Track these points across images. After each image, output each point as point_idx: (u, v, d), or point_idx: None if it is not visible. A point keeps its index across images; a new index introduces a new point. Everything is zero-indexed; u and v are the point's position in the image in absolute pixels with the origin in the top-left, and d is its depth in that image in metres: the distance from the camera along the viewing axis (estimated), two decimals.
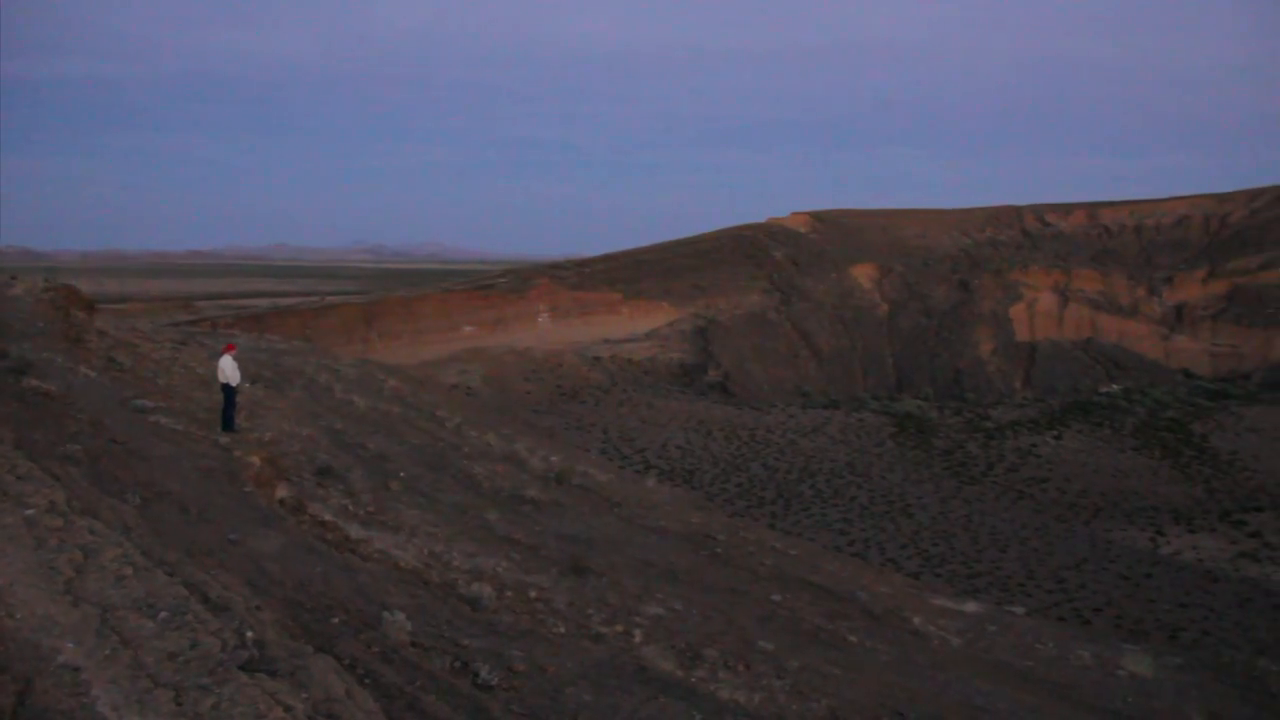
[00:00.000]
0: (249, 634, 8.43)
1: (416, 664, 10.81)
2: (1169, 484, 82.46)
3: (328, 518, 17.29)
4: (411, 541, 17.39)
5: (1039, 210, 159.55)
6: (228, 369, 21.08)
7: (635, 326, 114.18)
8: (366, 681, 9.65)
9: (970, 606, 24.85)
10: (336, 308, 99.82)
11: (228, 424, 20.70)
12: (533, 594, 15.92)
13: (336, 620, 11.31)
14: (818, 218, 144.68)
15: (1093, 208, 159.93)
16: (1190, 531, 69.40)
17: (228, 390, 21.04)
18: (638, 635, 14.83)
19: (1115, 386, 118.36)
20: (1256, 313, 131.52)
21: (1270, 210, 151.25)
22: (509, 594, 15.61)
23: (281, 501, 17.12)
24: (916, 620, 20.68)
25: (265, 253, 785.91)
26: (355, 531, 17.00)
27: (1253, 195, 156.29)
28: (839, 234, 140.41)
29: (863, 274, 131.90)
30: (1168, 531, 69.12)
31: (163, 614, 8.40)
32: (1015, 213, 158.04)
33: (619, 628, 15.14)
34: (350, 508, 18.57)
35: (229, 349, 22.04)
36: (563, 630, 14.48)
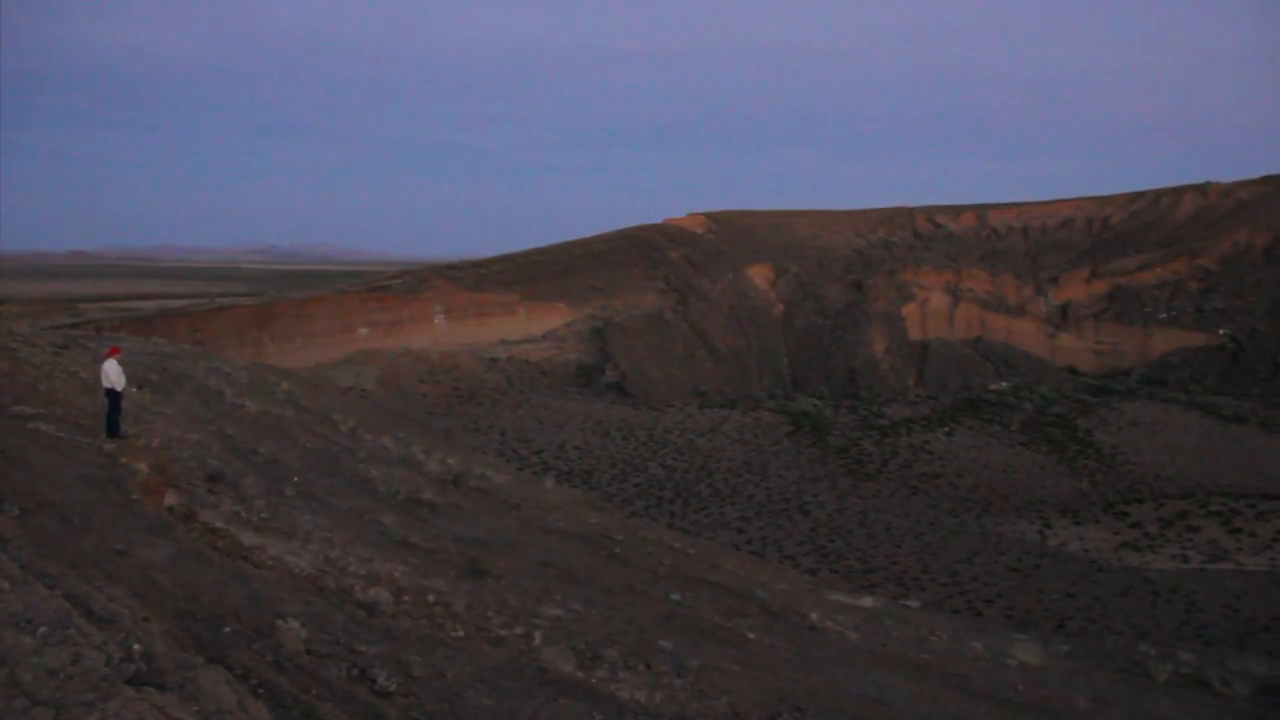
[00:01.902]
0: (136, 647, 8.17)
1: (312, 672, 10.60)
2: (1056, 478, 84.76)
3: (219, 525, 16.89)
4: (306, 547, 17.07)
5: (930, 212, 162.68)
6: (112, 373, 20.47)
7: (532, 328, 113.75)
8: (260, 691, 9.43)
9: (866, 601, 25.22)
10: (227, 310, 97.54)
11: (113, 430, 20.09)
12: (431, 598, 15.73)
13: (228, 630, 11.03)
14: (713, 218, 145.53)
15: (981, 209, 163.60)
16: (1076, 523, 71.45)
17: (112, 395, 20.42)
18: (537, 637, 14.73)
19: (1004, 384, 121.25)
20: (1136, 311, 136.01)
21: (1149, 213, 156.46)
22: (407, 598, 15.40)
23: (170, 509, 16.67)
24: (814, 616, 20.90)
25: (152, 253, 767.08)
26: (248, 538, 16.63)
27: (1131, 198, 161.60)
28: (734, 234, 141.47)
29: (758, 274, 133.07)
30: (1055, 524, 71.06)
31: (42, 629, 8.09)
32: (907, 214, 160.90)
33: (518, 630, 15.03)
34: (243, 514, 18.17)
35: (113, 352, 21.41)
36: (462, 634, 14.33)
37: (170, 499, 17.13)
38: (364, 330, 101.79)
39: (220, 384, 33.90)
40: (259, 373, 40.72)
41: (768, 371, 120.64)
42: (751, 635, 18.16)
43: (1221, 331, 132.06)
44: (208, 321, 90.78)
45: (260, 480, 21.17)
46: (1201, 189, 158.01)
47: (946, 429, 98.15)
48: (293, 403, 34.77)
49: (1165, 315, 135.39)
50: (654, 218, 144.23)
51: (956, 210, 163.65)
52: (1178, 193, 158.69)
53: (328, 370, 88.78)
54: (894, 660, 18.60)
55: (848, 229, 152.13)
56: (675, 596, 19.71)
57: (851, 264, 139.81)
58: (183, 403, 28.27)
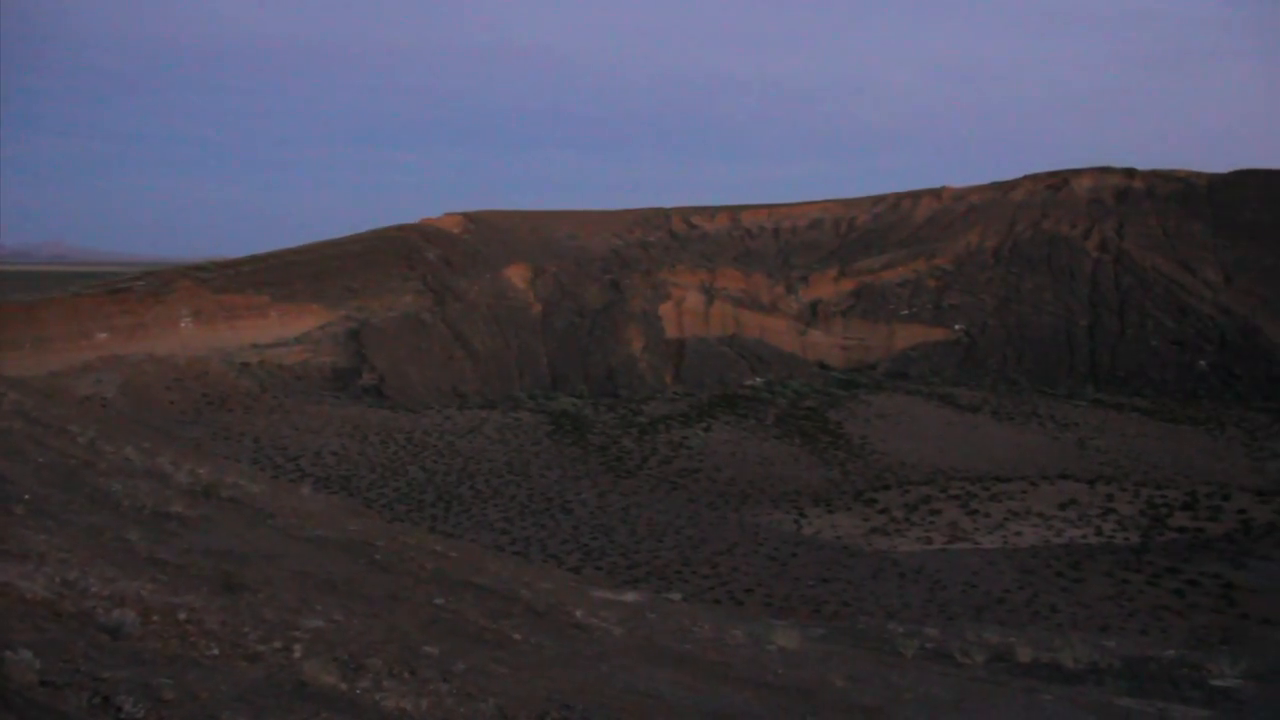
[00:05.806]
0: None
1: (48, 705, 9.89)
2: (809, 469, 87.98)
3: None
4: (40, 570, 15.95)
5: (685, 213, 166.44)
6: None
7: (285, 330, 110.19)
8: None
9: (630, 596, 25.50)
10: None
11: None
12: (182, 616, 14.97)
13: None
14: (470, 218, 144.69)
15: (735, 211, 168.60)
16: (829, 512, 74.31)
17: None
18: (297, 650, 14.23)
19: (758, 379, 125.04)
20: (880, 308, 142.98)
21: (890, 215, 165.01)
22: (155, 618, 14.60)
23: None
24: (579, 613, 20.98)
25: None
26: None
27: (875, 201, 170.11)
28: (492, 234, 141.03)
29: (516, 274, 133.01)
30: (809, 513, 73.69)
31: None
32: (663, 215, 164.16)
33: (277, 644, 14.48)
34: None
35: None
36: (216, 652, 13.69)
37: None
38: (103, 335, 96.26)
39: None
40: None
41: (527, 371, 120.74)
42: (517, 636, 18.09)
43: (957, 327, 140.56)
44: None
45: None
46: (937, 193, 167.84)
47: (704, 424, 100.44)
48: (22, 414, 32.50)
49: (907, 312, 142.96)
50: (410, 218, 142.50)
51: (711, 211, 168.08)
52: (916, 196, 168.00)
53: (63, 379, 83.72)
54: (659, 652, 18.87)
55: (605, 229, 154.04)
56: (439, 601, 19.43)
57: (609, 264, 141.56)
58: None
